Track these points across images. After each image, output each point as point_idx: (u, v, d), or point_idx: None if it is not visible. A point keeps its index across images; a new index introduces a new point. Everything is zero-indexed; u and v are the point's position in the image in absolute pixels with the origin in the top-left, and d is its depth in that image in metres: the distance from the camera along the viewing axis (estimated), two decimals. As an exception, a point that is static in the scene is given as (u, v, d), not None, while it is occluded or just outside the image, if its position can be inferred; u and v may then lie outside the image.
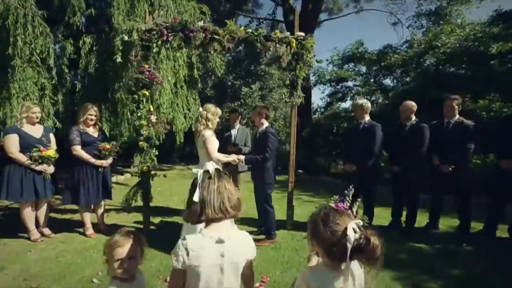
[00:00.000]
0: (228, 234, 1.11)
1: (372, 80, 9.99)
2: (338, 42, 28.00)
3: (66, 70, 4.61)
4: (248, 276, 1.20)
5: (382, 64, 8.99)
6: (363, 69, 10.14)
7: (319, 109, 13.46)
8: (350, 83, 10.04)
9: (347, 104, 10.84)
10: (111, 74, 4.49)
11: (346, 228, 0.95)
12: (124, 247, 1.21)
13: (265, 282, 2.43)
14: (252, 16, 13.53)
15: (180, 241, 1.07)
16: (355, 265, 1.02)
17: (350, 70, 10.11)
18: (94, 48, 4.61)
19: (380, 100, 9.29)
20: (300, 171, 9.20)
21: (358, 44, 9.86)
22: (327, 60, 10.69)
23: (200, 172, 1.17)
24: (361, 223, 0.98)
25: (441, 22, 9.05)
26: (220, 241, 1.08)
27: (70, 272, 2.57)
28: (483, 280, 2.50)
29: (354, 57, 9.90)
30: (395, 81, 9.59)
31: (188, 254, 1.04)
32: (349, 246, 0.92)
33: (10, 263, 2.69)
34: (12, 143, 2.97)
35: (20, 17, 3.22)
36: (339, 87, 10.22)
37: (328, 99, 11.30)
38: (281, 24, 12.69)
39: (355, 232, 0.94)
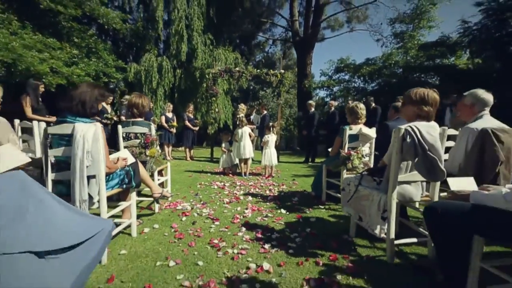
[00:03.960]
0: (244, 128, 5.42)
1: (355, 85, 13.84)
2: (336, 55, 31.64)
3: (168, 87, 9.21)
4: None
5: (357, 74, 12.83)
6: (347, 77, 13.99)
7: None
8: (335, 88, 13.94)
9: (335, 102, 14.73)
10: (192, 88, 9.03)
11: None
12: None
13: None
14: (268, 37, 17.77)
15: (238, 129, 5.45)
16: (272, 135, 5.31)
17: (336, 79, 13.96)
18: (182, 76, 9.16)
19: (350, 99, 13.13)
20: (298, 148, 13.35)
21: (342, 60, 13.72)
22: (319, 72, 14.60)
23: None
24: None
25: (401, 43, 12.64)
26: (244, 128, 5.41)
27: (190, 167, 7.02)
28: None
29: (340, 69, 13.79)
30: (376, 86, 13.36)
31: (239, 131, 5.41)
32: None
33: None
34: (163, 120, 7.52)
35: (166, 69, 7.89)
36: (328, 91, 14.17)
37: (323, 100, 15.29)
38: (290, 43, 16.83)
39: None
